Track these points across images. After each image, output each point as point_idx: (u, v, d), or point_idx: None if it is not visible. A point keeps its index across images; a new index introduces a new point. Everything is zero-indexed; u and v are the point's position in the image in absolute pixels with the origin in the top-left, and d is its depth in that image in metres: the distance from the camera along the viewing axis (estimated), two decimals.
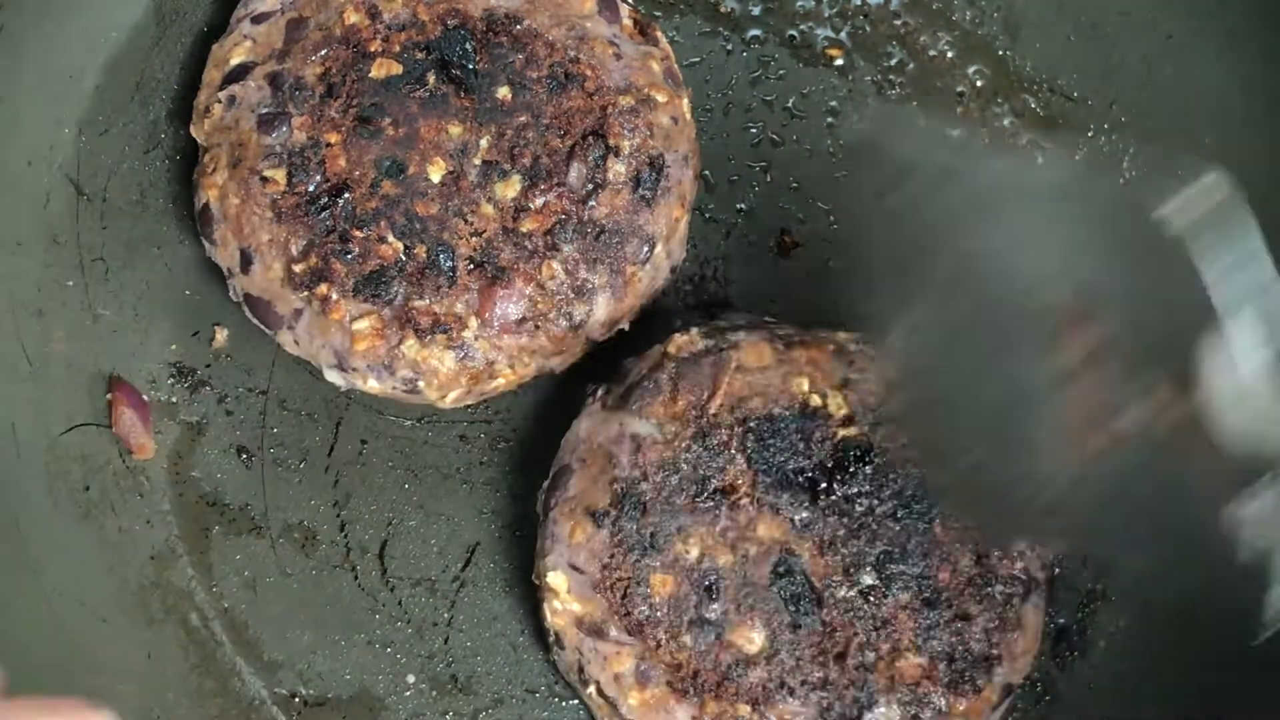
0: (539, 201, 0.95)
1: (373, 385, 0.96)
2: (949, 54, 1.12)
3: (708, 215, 1.09)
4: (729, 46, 1.12)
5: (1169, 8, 1.07)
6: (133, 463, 1.01)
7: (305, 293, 0.94)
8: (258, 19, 1.00)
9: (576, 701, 1.02)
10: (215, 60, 1.01)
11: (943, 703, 0.90)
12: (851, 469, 0.92)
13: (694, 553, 0.91)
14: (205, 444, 1.04)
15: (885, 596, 0.91)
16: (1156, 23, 1.08)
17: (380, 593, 1.02)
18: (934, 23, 1.12)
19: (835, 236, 1.08)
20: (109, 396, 1.01)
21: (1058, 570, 1.00)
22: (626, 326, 0.99)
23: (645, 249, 0.97)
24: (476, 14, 0.98)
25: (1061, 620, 1.03)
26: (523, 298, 0.94)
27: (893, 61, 1.12)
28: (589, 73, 0.98)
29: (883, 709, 0.89)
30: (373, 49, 0.97)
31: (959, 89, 1.11)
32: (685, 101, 1.01)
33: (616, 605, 0.91)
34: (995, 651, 0.92)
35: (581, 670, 0.93)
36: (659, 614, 0.90)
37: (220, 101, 0.98)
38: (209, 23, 1.07)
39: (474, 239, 0.94)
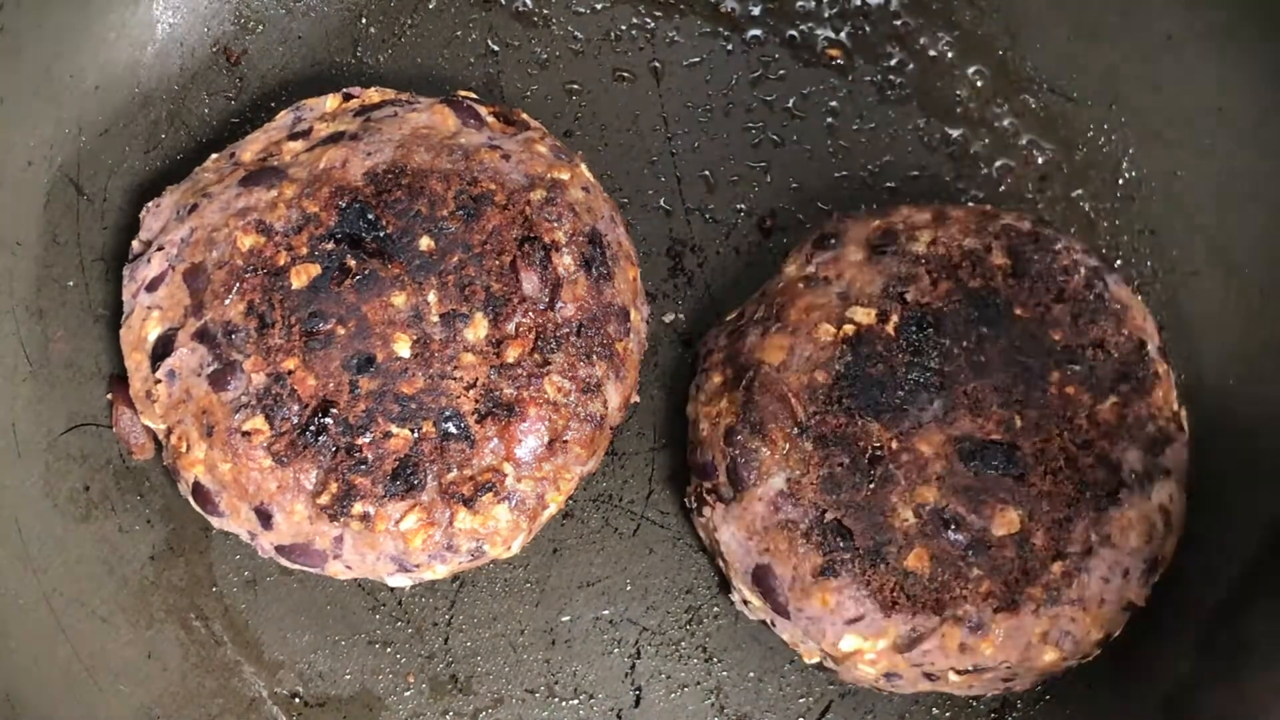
0: (510, 327, 0.93)
1: (440, 571, 0.94)
2: (949, 54, 1.12)
3: (708, 215, 1.09)
4: (729, 46, 1.12)
5: (1169, 8, 1.08)
6: (133, 463, 1.01)
7: (341, 519, 0.91)
8: (151, 286, 0.95)
9: (576, 701, 1.02)
10: (130, 345, 0.95)
11: (1146, 410, 0.96)
12: (927, 342, 0.95)
13: (921, 508, 0.93)
14: None
15: (1044, 392, 0.95)
16: (1156, 23, 1.08)
17: (380, 593, 1.02)
18: (934, 23, 1.12)
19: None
20: (109, 396, 1.01)
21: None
22: (636, 399, 1.00)
23: (624, 321, 0.97)
24: (359, 182, 0.95)
25: None
26: (541, 422, 0.93)
27: (893, 61, 1.12)
28: (491, 185, 0.95)
29: (1129, 461, 0.94)
30: (282, 262, 0.93)
31: (959, 89, 1.11)
32: (583, 166, 1.00)
33: (886, 599, 0.92)
34: (1132, 339, 0.97)
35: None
36: (926, 582, 0.92)
37: (160, 381, 0.94)
38: (217, 38, 1.08)
39: (471, 391, 0.92)
